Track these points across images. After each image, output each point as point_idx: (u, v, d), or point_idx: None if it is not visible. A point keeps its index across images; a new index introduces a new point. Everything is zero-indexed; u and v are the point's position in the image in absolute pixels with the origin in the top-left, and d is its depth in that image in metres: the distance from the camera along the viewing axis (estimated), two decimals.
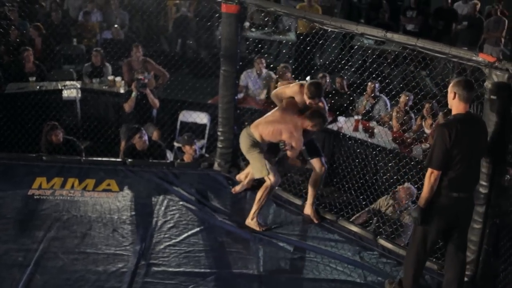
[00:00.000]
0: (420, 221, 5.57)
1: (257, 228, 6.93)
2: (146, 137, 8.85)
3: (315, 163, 7.09)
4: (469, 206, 5.73)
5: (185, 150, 8.83)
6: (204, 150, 9.88)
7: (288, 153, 6.81)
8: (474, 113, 5.88)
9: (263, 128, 6.82)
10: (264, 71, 11.19)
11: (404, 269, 6.06)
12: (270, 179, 6.83)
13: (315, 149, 7.10)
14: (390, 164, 8.79)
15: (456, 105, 5.50)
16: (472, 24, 13.91)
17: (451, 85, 5.51)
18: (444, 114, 8.65)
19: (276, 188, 7.41)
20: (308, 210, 7.25)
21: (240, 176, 7.72)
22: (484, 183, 5.86)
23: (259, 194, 6.94)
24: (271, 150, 6.98)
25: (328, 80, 10.62)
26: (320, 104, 6.79)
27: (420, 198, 5.60)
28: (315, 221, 7.17)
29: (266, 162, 6.80)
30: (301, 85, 6.83)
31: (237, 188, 7.65)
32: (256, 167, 6.89)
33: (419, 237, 5.74)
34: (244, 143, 6.92)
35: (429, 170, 5.48)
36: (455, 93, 5.46)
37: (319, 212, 7.29)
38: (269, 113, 6.97)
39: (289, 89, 6.97)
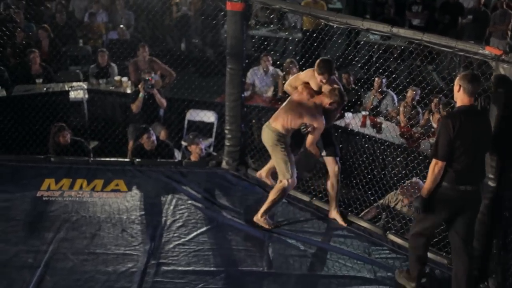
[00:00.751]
0: (422, 210, 5.68)
1: (265, 226, 6.92)
2: (154, 137, 8.86)
3: (329, 162, 7.04)
4: (475, 199, 5.73)
5: (191, 150, 8.83)
6: (211, 149, 9.89)
7: (309, 137, 6.71)
8: (479, 106, 5.88)
9: (283, 117, 6.74)
10: (271, 68, 11.17)
11: (409, 257, 6.13)
12: (288, 182, 6.79)
13: (331, 146, 7.03)
14: (398, 159, 8.78)
15: (461, 98, 5.54)
16: (477, 18, 13.86)
17: (457, 78, 5.55)
18: (444, 105, 8.66)
19: None
20: (332, 214, 7.21)
21: (261, 173, 7.64)
22: (492, 177, 5.86)
23: (272, 194, 6.89)
24: (295, 144, 6.94)
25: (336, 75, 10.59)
26: (335, 85, 6.75)
27: (423, 188, 5.69)
28: (344, 225, 7.11)
29: (290, 164, 6.74)
30: (313, 69, 6.75)
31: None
32: (279, 168, 6.83)
33: (422, 223, 5.83)
34: (268, 139, 6.82)
35: (434, 161, 5.55)
36: (460, 86, 5.50)
37: (345, 215, 7.28)
38: (284, 103, 6.91)
39: (302, 75, 6.91)
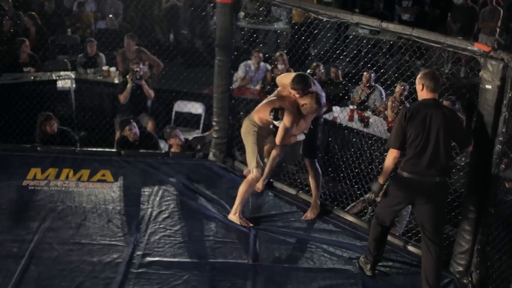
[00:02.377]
0: (376, 195, 5.99)
1: (239, 223, 6.88)
2: (136, 129, 8.82)
3: (307, 163, 7.11)
4: (431, 191, 5.79)
5: (171, 143, 8.84)
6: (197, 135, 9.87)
7: (279, 131, 6.59)
8: (442, 104, 6.02)
9: (260, 109, 6.73)
10: (262, 64, 11.14)
11: (368, 240, 6.32)
12: (254, 173, 6.78)
13: (311, 148, 7.05)
14: (385, 154, 8.77)
15: (424, 95, 5.73)
16: (464, 13, 13.86)
17: (418, 77, 5.75)
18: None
19: (271, 180, 7.51)
20: (312, 204, 7.24)
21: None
22: (479, 173, 5.89)
23: (241, 188, 6.89)
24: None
25: (322, 70, 10.59)
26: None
27: (380, 175, 5.91)
28: (312, 217, 7.14)
29: (258, 156, 6.74)
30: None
31: (260, 186, 7.56)
32: (248, 157, 6.84)
33: (381, 207, 6.09)
34: (243, 128, 6.83)
35: (389, 149, 5.81)
36: (423, 85, 5.70)
37: (325, 207, 7.29)
38: (268, 97, 6.91)
39: (288, 77, 6.79)
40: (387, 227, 6.20)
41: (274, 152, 7.35)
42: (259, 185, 7.51)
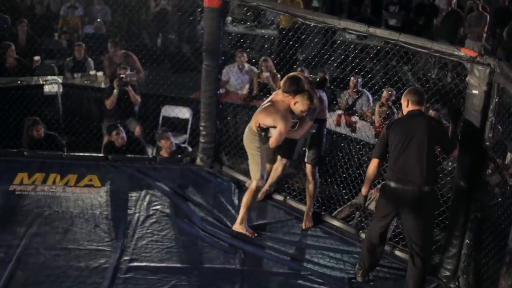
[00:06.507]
0: (362, 206, 6.18)
1: (245, 233, 6.84)
2: (123, 134, 8.75)
3: (308, 170, 7.06)
4: (417, 202, 5.74)
5: (161, 145, 8.80)
6: (186, 144, 9.86)
7: (272, 138, 6.49)
8: (427, 114, 6.10)
9: (256, 116, 6.61)
10: (246, 65, 11.13)
11: (361, 248, 6.34)
12: (256, 183, 6.73)
13: (316, 154, 6.99)
14: None
15: (410, 109, 5.85)
16: (449, 18, 13.92)
17: (403, 96, 5.88)
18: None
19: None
20: (305, 216, 7.21)
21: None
22: (466, 178, 5.91)
23: (245, 198, 6.84)
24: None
25: (306, 75, 10.56)
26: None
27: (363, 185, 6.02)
28: (303, 226, 7.13)
29: (260, 165, 6.67)
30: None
31: (260, 197, 7.43)
32: (250, 167, 6.77)
33: (374, 219, 6.13)
34: (245, 137, 6.74)
35: (372, 159, 5.94)
36: (408, 100, 5.82)
37: (316, 218, 7.25)
38: (262, 103, 6.80)
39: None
40: (378, 241, 6.11)
41: (276, 163, 7.34)
42: (260, 195, 7.44)
